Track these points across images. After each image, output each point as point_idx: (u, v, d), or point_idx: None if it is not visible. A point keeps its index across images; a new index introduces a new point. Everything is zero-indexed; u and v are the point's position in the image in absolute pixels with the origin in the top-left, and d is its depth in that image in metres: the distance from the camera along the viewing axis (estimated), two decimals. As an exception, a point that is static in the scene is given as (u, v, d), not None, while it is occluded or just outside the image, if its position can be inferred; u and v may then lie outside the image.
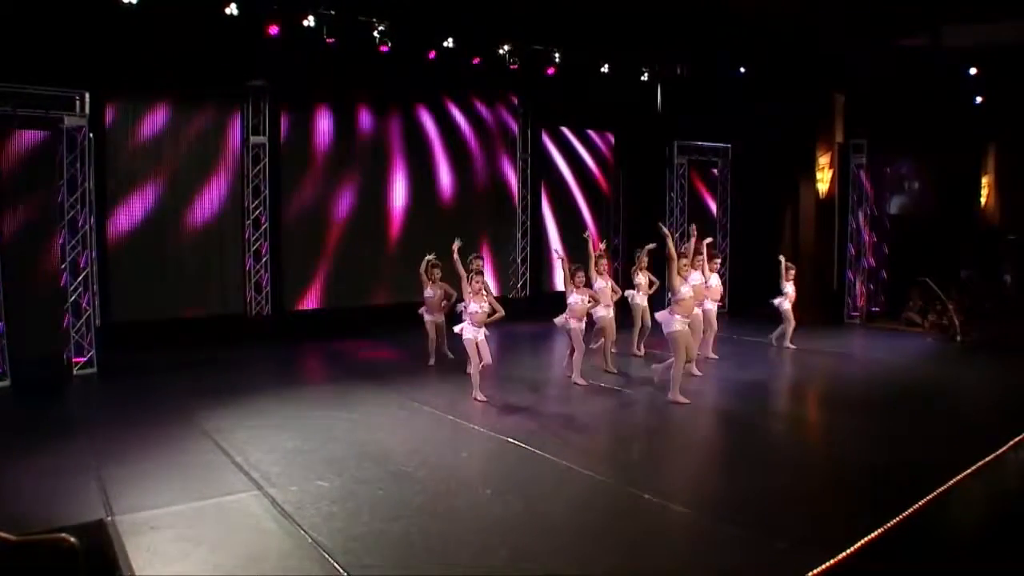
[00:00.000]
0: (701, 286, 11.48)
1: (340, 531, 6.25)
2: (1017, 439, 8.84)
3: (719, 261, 13.10)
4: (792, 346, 14.19)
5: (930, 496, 7.04)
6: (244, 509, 6.71)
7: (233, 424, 9.25)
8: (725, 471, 8.09)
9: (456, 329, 10.50)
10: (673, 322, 10.23)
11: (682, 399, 10.23)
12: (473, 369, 10.37)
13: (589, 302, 11.38)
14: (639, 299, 13.28)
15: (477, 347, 10.25)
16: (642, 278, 13.24)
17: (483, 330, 10.35)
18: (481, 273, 10.97)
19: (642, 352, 13.45)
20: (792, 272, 14.23)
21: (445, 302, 12.51)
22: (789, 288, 14.13)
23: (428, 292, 12.47)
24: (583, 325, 11.43)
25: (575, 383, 11.27)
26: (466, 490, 7.20)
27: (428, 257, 12.44)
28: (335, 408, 9.88)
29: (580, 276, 11.35)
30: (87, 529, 6.28)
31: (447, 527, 6.41)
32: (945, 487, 7.30)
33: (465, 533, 6.29)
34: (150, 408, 9.99)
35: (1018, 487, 8.22)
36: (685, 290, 10.26)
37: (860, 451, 8.81)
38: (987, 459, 8.13)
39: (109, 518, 6.45)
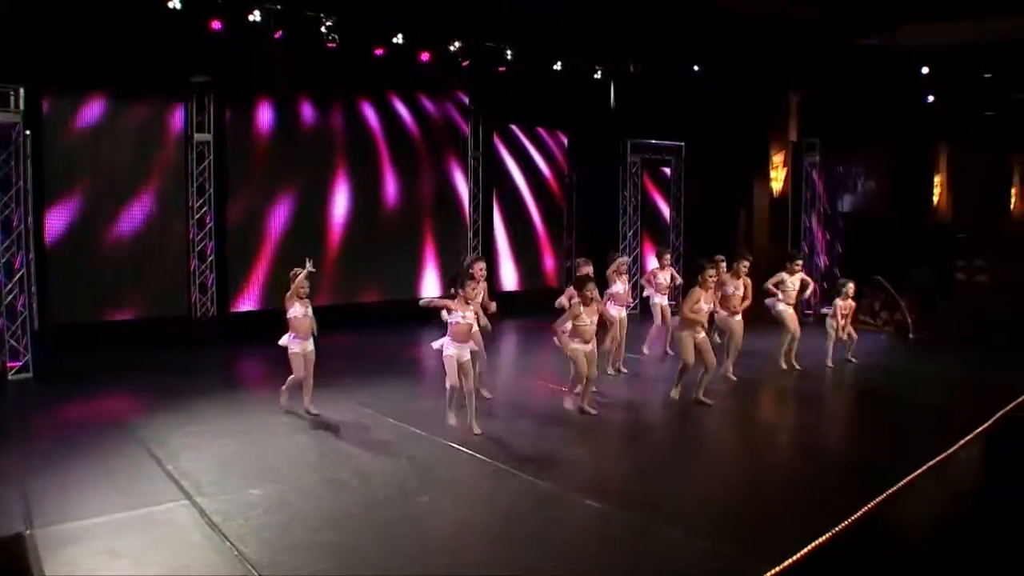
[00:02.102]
0: (738, 295, 11.32)
1: (269, 542, 6.02)
2: (967, 438, 8.85)
3: (800, 263, 12.46)
4: (831, 365, 12.83)
5: (880, 498, 6.97)
6: (171, 520, 6.46)
7: (169, 430, 8.95)
8: (673, 474, 7.92)
9: (435, 345, 8.84)
10: (683, 330, 10.08)
11: (674, 395, 10.31)
12: (449, 390, 8.78)
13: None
14: (657, 298, 12.91)
15: (460, 368, 8.66)
16: (662, 278, 12.99)
17: (469, 346, 8.80)
18: (474, 279, 9.21)
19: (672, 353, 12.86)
20: (851, 289, 12.90)
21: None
22: (838, 301, 12.80)
23: (296, 311, 9.45)
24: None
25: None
26: (403, 497, 6.98)
27: (308, 268, 9.46)
28: (276, 412, 9.59)
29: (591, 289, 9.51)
30: (3, 544, 6.02)
31: (381, 536, 6.21)
32: (895, 488, 7.23)
33: (399, 542, 6.09)
34: (84, 414, 9.70)
35: (968, 486, 8.20)
36: (702, 306, 10.10)
37: (812, 452, 8.78)
38: (938, 459, 8.09)
39: (28, 531, 6.18)
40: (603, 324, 10.35)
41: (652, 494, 7.23)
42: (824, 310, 13.42)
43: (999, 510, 7.16)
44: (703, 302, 10.10)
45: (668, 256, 13.48)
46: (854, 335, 13.00)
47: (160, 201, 14.36)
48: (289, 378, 9.58)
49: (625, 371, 12.15)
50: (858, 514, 6.59)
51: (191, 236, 14.54)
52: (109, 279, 13.85)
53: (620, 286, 11.72)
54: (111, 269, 13.86)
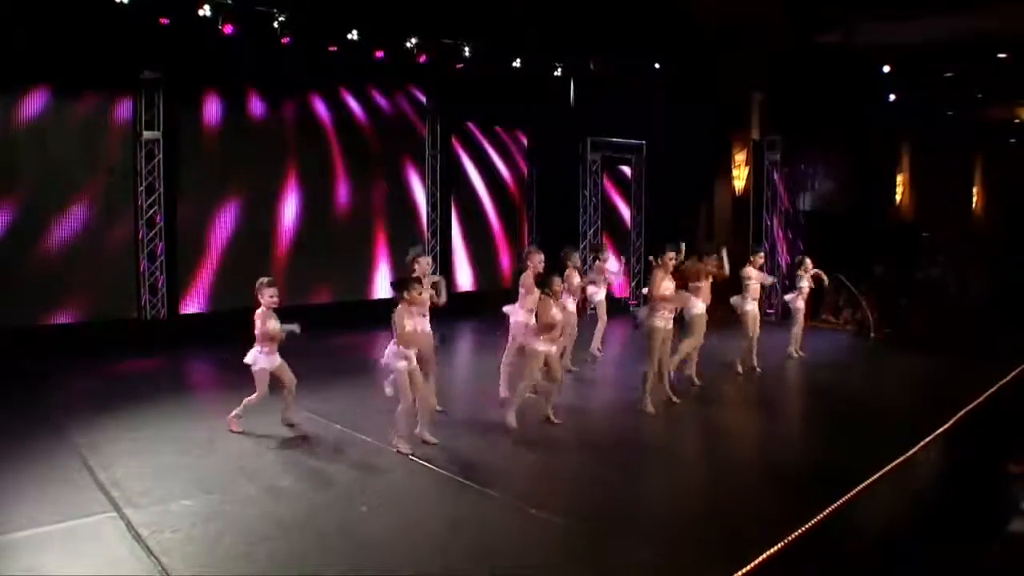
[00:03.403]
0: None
1: (196, 555, 5.77)
2: (927, 439, 8.71)
3: (762, 255, 12.56)
4: (801, 354, 13.15)
5: (838, 503, 6.80)
6: (96, 534, 6.16)
7: (107, 437, 8.61)
8: (623, 482, 7.66)
9: (382, 361, 8.18)
10: (653, 317, 9.64)
11: (650, 409, 9.75)
12: (400, 412, 8.08)
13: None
14: (600, 295, 12.67)
15: (411, 379, 8.09)
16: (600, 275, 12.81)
17: (412, 353, 8.13)
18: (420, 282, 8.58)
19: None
20: (810, 264, 13.00)
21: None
22: (804, 284, 13.00)
23: (272, 324, 8.65)
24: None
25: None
26: (342, 507, 6.73)
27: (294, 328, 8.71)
28: (220, 418, 9.22)
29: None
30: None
31: (314, 548, 5.95)
32: (853, 493, 7.06)
33: (334, 555, 5.86)
34: (22, 421, 9.18)
35: (929, 488, 8.06)
36: (669, 285, 9.65)
37: (771, 457, 8.62)
38: (897, 461, 7.95)
39: (-56, 548, 5.88)
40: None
41: (605, 504, 7.00)
42: (787, 296, 13.31)
43: (957, 515, 7.02)
44: (668, 281, 9.70)
45: (607, 252, 13.44)
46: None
47: (108, 200, 13.96)
48: (251, 398, 8.73)
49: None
50: (814, 521, 6.42)
51: (140, 236, 14.15)
52: (55, 281, 13.42)
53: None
54: (57, 271, 13.44)
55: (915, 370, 12.93)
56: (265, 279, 8.97)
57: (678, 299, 9.91)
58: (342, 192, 16.51)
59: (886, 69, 17.38)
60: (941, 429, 9.15)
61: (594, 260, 13.11)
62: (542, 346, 8.89)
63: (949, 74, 17.71)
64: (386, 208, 17.16)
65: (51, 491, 7.04)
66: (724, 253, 11.33)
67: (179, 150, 14.51)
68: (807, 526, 6.30)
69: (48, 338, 13.23)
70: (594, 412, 10.28)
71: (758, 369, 12.13)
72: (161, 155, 14.17)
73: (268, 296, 8.78)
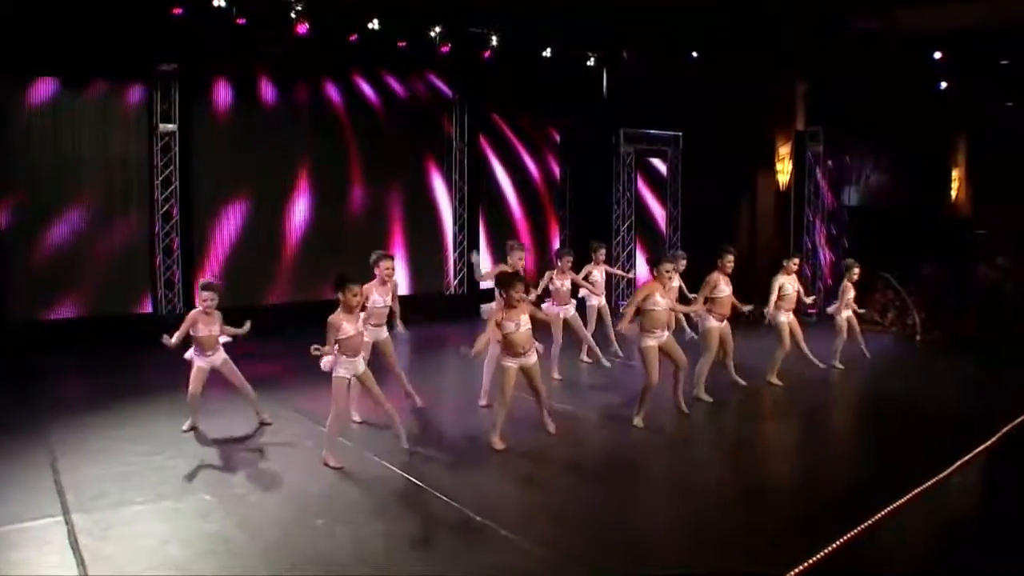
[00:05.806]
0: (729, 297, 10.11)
1: (127, 565, 5.43)
2: (965, 458, 7.91)
3: (797, 262, 11.46)
4: (840, 366, 12.07)
5: (858, 529, 6.08)
6: (33, 539, 5.86)
7: (84, 436, 8.37)
8: (627, 500, 6.94)
9: (324, 365, 7.48)
10: (643, 338, 8.79)
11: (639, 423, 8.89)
12: (333, 420, 7.52)
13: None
14: (594, 300, 11.92)
15: (362, 381, 7.65)
16: (597, 275, 12.02)
17: (361, 359, 7.64)
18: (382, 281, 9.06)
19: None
20: (856, 273, 12.24)
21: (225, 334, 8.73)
22: (851, 295, 12.18)
23: (202, 330, 8.57)
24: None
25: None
26: (296, 520, 6.26)
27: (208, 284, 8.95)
28: (206, 417, 8.83)
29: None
30: None
31: (260, 563, 5.53)
32: (878, 516, 6.32)
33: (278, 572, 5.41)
34: (6, 419, 8.88)
35: (963, 514, 7.31)
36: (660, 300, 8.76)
37: (797, 473, 7.92)
38: (937, 478, 7.21)
39: None
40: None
41: (593, 530, 6.29)
42: (830, 309, 12.50)
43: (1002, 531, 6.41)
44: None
45: (603, 252, 12.34)
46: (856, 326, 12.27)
47: (124, 194, 13.82)
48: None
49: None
50: (832, 547, 5.76)
51: (156, 230, 13.96)
52: (71, 275, 13.37)
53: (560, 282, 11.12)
54: (73, 265, 13.37)
55: (962, 376, 12.13)
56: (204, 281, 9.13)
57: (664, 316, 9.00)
58: (361, 187, 16.15)
59: (937, 55, 16.53)
60: (988, 442, 8.38)
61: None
62: (510, 362, 8.03)
63: (1005, 61, 16.76)
64: (404, 203, 16.76)
65: (9, 492, 6.77)
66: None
67: (195, 143, 14.31)
68: (829, 550, 5.68)
69: (57, 333, 13.13)
70: (596, 422, 9.52)
71: (776, 383, 11.12)
72: (177, 148, 13.97)
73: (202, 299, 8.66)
